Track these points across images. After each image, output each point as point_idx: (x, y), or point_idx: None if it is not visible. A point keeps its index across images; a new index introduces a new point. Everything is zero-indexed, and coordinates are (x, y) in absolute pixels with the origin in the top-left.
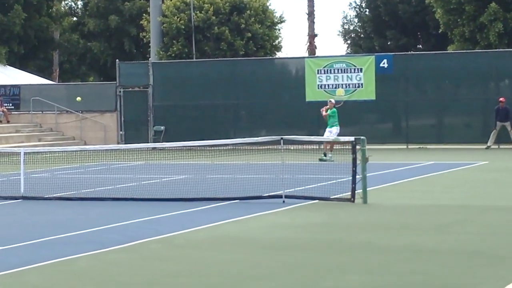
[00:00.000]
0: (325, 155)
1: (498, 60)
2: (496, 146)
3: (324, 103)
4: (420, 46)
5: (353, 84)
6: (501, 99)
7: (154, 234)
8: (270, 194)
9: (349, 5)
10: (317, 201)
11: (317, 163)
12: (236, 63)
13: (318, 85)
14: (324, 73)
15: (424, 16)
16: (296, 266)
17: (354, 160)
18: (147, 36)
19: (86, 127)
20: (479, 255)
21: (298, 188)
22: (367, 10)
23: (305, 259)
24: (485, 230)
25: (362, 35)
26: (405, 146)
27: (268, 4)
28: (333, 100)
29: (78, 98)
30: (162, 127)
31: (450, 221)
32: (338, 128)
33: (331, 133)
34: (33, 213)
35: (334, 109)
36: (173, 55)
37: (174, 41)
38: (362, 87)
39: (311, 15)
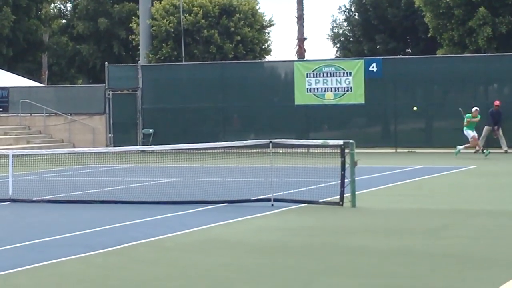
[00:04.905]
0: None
1: (487, 65)
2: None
3: (314, 107)
4: (409, 50)
5: (342, 87)
6: (496, 102)
7: (142, 237)
8: (259, 197)
9: (339, 9)
10: (305, 204)
11: (306, 167)
12: (225, 67)
13: (307, 88)
14: (313, 76)
15: (413, 20)
16: (285, 269)
17: (343, 163)
18: (136, 39)
19: (74, 129)
20: (468, 259)
21: (287, 192)
22: (356, 14)
23: (294, 262)
24: (474, 234)
25: (351, 39)
26: (394, 150)
27: (257, 7)
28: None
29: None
30: (151, 130)
31: (439, 225)
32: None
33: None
34: (21, 216)
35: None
36: (162, 58)
37: (163, 44)
38: (351, 90)
39: (300, 18)
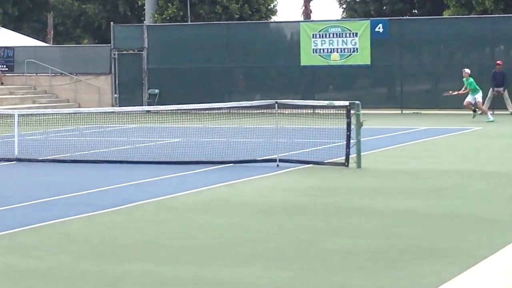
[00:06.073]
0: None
1: (493, 26)
2: (491, 112)
3: (320, 68)
4: (416, 11)
5: (348, 48)
6: (498, 62)
7: (148, 196)
8: (264, 158)
9: None
10: (311, 165)
11: (312, 127)
12: (231, 27)
13: (313, 49)
14: (319, 37)
15: None
16: (291, 229)
17: (349, 124)
18: None
19: (80, 89)
20: (473, 219)
21: (292, 152)
22: None
23: (300, 222)
24: (479, 195)
25: (357, 0)
26: (399, 111)
27: None
28: (467, 70)
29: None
30: (157, 90)
31: (444, 186)
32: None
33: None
34: (27, 175)
35: (471, 79)
36: (168, 18)
37: (169, 4)
38: (357, 51)
39: None
